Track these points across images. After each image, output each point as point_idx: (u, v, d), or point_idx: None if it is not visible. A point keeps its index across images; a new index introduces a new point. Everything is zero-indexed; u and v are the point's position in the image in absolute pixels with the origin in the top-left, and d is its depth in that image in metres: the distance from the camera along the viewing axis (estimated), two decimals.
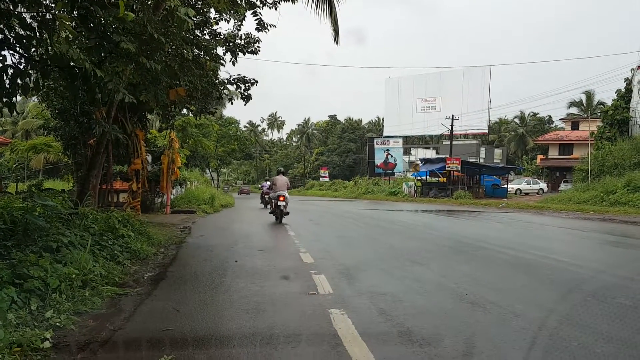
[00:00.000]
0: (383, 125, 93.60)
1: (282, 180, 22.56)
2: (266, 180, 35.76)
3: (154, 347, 5.55)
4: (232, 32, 16.76)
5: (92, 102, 13.81)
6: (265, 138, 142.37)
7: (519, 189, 59.61)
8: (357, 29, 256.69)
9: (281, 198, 21.91)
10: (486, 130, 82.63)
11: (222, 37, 16.67)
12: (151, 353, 5.35)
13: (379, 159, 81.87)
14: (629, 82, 45.38)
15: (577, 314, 6.95)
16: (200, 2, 15.57)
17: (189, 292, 8.39)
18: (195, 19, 13.88)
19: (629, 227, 21.81)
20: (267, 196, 26.04)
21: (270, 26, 15.74)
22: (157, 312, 7.10)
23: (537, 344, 5.65)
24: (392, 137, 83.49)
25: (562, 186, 56.36)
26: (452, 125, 59.92)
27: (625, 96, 45.14)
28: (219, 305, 7.48)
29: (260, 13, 15.09)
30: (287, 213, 22.45)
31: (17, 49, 8.31)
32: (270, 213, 24.21)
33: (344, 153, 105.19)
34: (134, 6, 9.15)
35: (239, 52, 17.01)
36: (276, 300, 7.63)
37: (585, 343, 5.60)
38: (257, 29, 15.71)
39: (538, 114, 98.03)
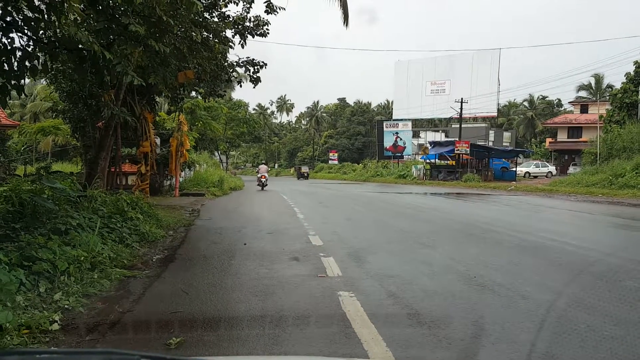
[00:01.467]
0: (392, 108, 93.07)
1: (264, 167, 42.54)
2: (259, 166, 52.95)
3: (162, 329, 5.58)
4: (241, 14, 16.64)
5: (101, 84, 13.83)
6: (274, 121, 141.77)
7: (527, 172, 59.43)
8: (366, 11, 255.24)
9: (263, 177, 39.42)
10: (495, 114, 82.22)
11: (231, 19, 16.55)
12: (160, 335, 5.37)
13: (388, 142, 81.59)
14: (638, 65, 45.02)
15: (586, 297, 6.93)
16: None
17: (198, 274, 8.42)
18: (204, 1, 13.82)
19: (638, 210, 21.74)
20: (258, 176, 41.68)
21: (280, 8, 15.62)
22: (166, 294, 7.13)
23: (545, 326, 5.65)
24: (401, 120, 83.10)
25: (571, 169, 56.11)
26: (461, 109, 59.63)
27: (634, 79, 44.77)
28: (228, 287, 7.50)
29: None
30: (266, 185, 39.54)
31: (26, 31, 8.31)
32: (257, 185, 39.93)
33: (353, 136, 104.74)
34: None
35: (248, 35, 16.88)
36: (285, 282, 7.65)
37: (594, 325, 5.59)
38: (266, 11, 15.58)
39: (547, 97, 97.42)
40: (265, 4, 15.21)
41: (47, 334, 5.26)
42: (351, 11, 16.28)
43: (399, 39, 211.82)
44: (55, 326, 5.43)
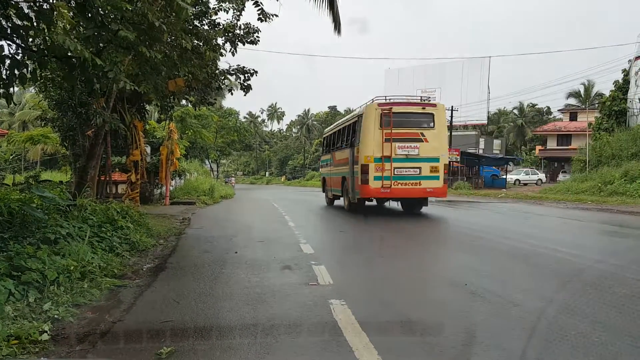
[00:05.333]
0: None
1: (233, 178, 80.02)
2: (229, 177, 70.38)
3: (153, 338, 5.54)
4: (231, 22, 16.63)
5: (91, 92, 13.78)
6: (265, 129, 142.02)
7: (517, 180, 59.81)
8: (358, 21, 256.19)
9: (233, 182, 69.21)
10: (485, 121, 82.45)
11: (221, 27, 16.54)
12: (151, 344, 5.33)
13: None
14: (626, 73, 45.33)
15: (576, 303, 6.95)
16: None
17: (189, 283, 8.37)
18: (194, 8, 13.80)
19: (626, 216, 21.81)
20: (229, 181, 61.71)
21: (273, 16, 15.59)
22: (157, 303, 7.09)
23: (536, 333, 5.65)
24: None
25: (561, 177, 56.50)
26: (451, 116, 59.79)
27: (622, 87, 45.09)
28: (219, 296, 7.47)
29: (261, 3, 14.97)
30: (234, 186, 58.75)
31: (14, 39, 8.26)
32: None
33: None
34: None
35: (239, 42, 16.86)
36: (276, 291, 7.61)
37: (584, 332, 5.60)
38: (259, 19, 15.49)
39: (537, 104, 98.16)
40: (258, 12, 15.16)
41: (37, 344, 5.21)
42: (342, 20, 16.16)
43: (389, 47, 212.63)
44: (45, 336, 5.37)
